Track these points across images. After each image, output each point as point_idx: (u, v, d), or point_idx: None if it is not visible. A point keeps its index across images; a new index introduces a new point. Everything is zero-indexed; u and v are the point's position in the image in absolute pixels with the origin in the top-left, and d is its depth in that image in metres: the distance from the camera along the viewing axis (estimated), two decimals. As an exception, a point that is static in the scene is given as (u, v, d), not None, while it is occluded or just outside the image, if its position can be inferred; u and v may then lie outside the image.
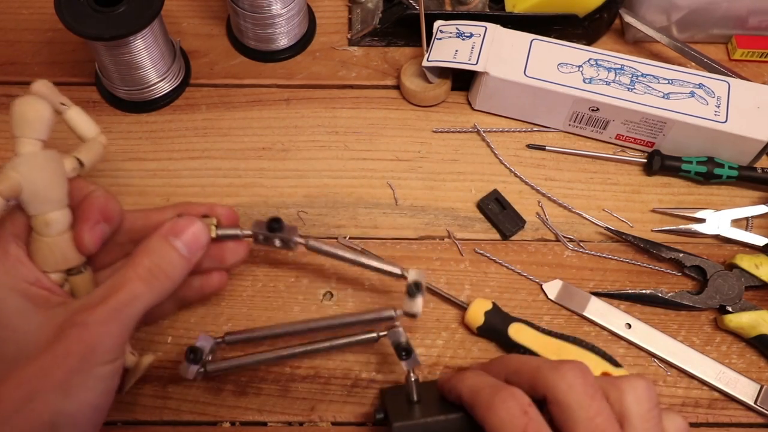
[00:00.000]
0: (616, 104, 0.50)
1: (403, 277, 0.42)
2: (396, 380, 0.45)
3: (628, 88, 0.50)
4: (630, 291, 0.47)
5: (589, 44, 0.57)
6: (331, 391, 0.44)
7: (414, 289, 0.40)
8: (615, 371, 0.43)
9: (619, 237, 0.49)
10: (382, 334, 0.42)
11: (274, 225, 0.40)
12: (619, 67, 0.51)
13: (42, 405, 0.31)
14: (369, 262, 0.42)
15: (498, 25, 0.53)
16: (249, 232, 0.41)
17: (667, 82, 0.51)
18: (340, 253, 0.42)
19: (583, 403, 0.33)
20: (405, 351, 0.40)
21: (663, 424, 0.34)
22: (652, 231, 0.50)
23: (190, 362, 0.40)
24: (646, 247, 0.48)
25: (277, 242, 0.41)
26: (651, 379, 0.36)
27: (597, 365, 0.43)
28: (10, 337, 0.33)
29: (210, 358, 0.42)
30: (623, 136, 0.52)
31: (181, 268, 0.37)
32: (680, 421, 0.35)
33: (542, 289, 0.48)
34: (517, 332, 0.44)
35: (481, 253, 0.49)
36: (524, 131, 0.54)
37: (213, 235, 0.39)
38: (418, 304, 0.41)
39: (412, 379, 0.40)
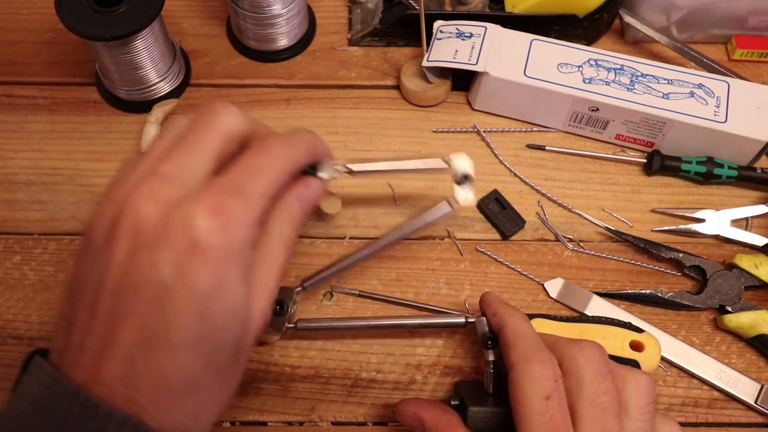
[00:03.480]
0: (615, 104, 0.50)
1: (447, 167, 0.42)
2: (396, 381, 0.45)
3: (628, 88, 0.50)
4: (630, 291, 0.47)
5: (589, 44, 0.57)
6: (331, 391, 0.44)
7: (463, 179, 0.42)
8: (639, 336, 0.43)
9: (619, 237, 0.49)
10: (470, 320, 0.42)
11: (309, 169, 0.40)
12: (619, 67, 0.51)
13: None
14: (409, 165, 0.43)
15: (498, 25, 0.53)
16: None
17: (666, 82, 0.51)
18: (382, 167, 0.42)
19: (595, 380, 0.34)
20: (491, 340, 0.40)
21: (658, 426, 0.36)
22: (651, 231, 0.50)
23: (276, 315, 0.42)
24: (645, 247, 0.49)
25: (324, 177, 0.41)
26: (653, 377, 0.36)
27: (623, 336, 0.43)
28: (232, 328, 0.31)
29: (295, 308, 0.43)
30: (623, 136, 0.52)
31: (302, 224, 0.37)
32: (675, 426, 0.36)
33: (544, 287, 0.48)
34: (539, 326, 0.44)
35: (482, 251, 0.49)
36: (524, 131, 0.54)
37: None
38: (470, 191, 0.42)
39: (491, 371, 0.40)
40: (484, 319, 0.41)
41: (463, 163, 0.42)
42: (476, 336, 0.46)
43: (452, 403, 0.40)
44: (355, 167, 0.41)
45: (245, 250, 0.30)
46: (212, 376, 0.30)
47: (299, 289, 0.44)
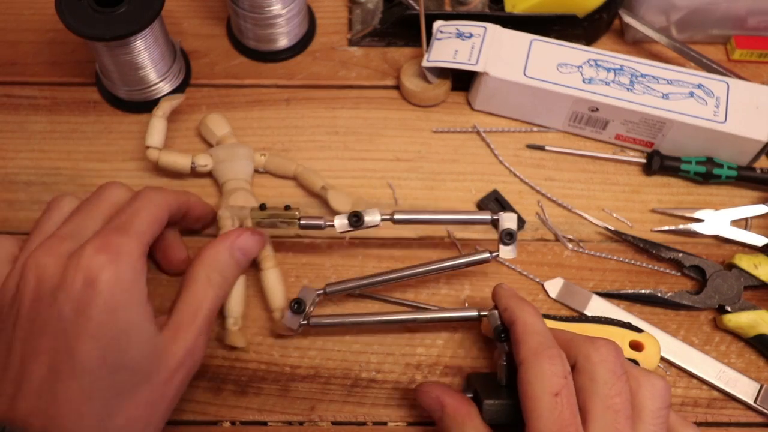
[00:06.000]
0: (615, 104, 0.50)
1: (494, 222, 0.43)
2: (396, 380, 0.45)
3: (628, 89, 0.50)
4: (629, 291, 0.48)
5: (588, 44, 0.57)
6: (331, 391, 0.45)
7: (507, 238, 0.43)
8: (639, 336, 0.43)
9: (618, 237, 0.49)
10: (483, 313, 0.42)
11: (354, 219, 0.43)
12: (619, 67, 0.51)
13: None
14: (457, 216, 0.44)
15: (498, 26, 0.53)
16: (331, 222, 0.44)
17: (666, 82, 0.51)
18: (427, 217, 0.44)
19: (608, 380, 0.34)
20: (504, 332, 0.40)
21: (677, 430, 0.36)
22: (651, 231, 0.50)
23: (294, 313, 0.43)
24: (645, 247, 0.49)
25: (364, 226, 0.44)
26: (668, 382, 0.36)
27: (623, 336, 0.43)
28: (129, 349, 0.34)
29: (312, 309, 0.44)
30: (623, 136, 0.52)
31: (237, 272, 0.42)
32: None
33: (543, 287, 0.48)
34: None
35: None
36: (524, 131, 0.54)
37: (296, 226, 0.43)
38: (513, 249, 0.43)
39: (504, 363, 0.40)
40: (497, 312, 0.41)
41: (510, 222, 0.43)
42: (476, 335, 0.46)
43: (467, 395, 0.40)
44: (399, 216, 0.44)
45: (137, 278, 0.35)
46: (117, 397, 0.34)
47: (321, 292, 0.44)
